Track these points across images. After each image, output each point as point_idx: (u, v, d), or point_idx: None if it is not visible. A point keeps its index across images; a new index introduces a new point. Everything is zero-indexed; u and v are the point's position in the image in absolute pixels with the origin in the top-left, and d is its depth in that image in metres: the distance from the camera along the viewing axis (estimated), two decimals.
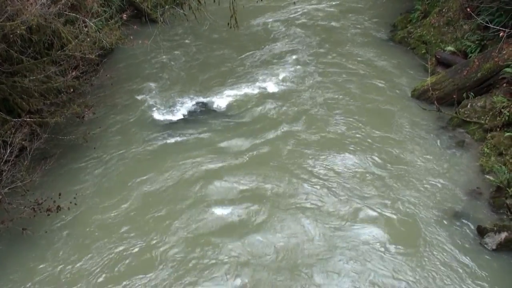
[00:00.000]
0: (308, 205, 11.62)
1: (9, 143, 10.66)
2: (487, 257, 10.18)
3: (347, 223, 11.10)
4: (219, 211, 11.57)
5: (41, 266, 10.41)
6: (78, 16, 13.37)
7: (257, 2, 17.37)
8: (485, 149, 12.55)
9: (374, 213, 11.32)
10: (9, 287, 9.99)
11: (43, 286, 10.02)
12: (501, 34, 12.08)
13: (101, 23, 14.66)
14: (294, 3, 21.20)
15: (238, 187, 12.23)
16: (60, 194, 11.52)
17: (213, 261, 10.32)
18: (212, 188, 12.19)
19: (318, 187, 12.13)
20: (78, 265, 10.38)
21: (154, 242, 10.79)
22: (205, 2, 17.55)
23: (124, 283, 10.00)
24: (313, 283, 9.84)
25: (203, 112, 15.10)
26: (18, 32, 11.31)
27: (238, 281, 9.97)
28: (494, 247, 10.24)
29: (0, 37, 11.16)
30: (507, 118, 12.66)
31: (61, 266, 10.38)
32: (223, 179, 12.48)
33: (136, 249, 10.65)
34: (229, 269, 10.18)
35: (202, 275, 10.06)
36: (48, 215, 11.07)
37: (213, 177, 12.50)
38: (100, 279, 10.08)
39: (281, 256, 10.44)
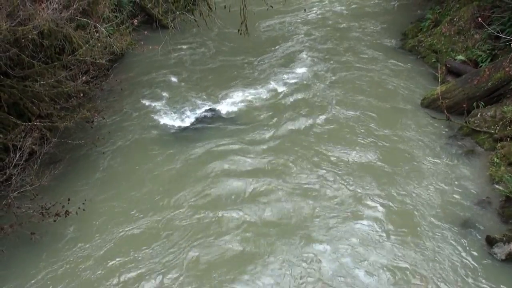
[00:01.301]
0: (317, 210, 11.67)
1: (19, 147, 10.71)
2: (496, 267, 10.14)
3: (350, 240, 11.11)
4: (228, 213, 11.71)
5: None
6: (89, 21, 13.42)
7: (267, 9, 17.35)
8: (495, 159, 12.48)
9: (381, 221, 11.32)
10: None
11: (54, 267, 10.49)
12: None
13: (112, 28, 14.73)
14: (305, 10, 21.26)
15: (248, 188, 12.36)
16: (69, 199, 11.54)
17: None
18: (222, 189, 12.34)
19: (329, 192, 12.18)
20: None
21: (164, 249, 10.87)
22: (215, 8, 17.59)
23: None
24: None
25: (213, 118, 15.13)
26: (30, 36, 11.36)
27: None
28: (503, 258, 10.19)
29: (12, 41, 11.23)
30: None
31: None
32: (233, 182, 12.57)
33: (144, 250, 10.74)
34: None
35: None
36: (54, 220, 11.08)
37: (223, 180, 12.63)
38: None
39: (285, 237, 10.98)
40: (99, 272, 10.38)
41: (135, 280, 10.18)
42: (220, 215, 11.59)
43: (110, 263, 10.56)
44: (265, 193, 12.20)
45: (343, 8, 22.29)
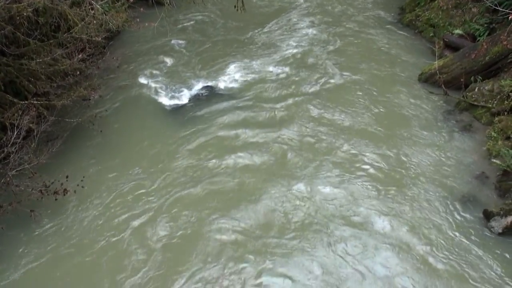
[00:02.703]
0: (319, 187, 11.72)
1: (16, 125, 10.69)
2: (493, 240, 10.22)
3: (348, 211, 11.18)
4: (225, 183, 11.90)
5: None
6: None
7: None
8: (492, 133, 12.50)
9: (379, 194, 11.37)
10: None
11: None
12: (510, 17, 11.98)
13: (107, 5, 14.59)
14: None
15: (245, 164, 12.44)
16: (67, 177, 11.56)
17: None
18: (223, 164, 12.43)
19: (324, 167, 12.21)
20: None
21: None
22: None
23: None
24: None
25: (210, 95, 15.08)
26: (25, 14, 11.29)
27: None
28: (500, 231, 10.26)
29: (7, 19, 11.14)
30: None
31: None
32: (229, 156, 12.66)
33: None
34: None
35: None
36: (56, 199, 11.13)
37: (220, 155, 12.70)
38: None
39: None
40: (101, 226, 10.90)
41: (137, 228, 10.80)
42: (216, 185, 11.79)
43: (110, 219, 11.10)
44: (265, 162, 12.41)
45: None
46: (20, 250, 10.36)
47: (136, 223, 10.87)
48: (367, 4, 20.17)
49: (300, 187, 11.62)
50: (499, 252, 9.99)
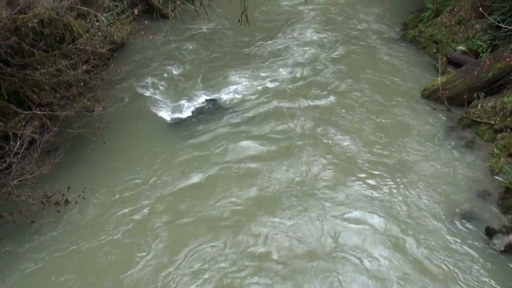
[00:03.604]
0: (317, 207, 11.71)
1: (19, 135, 10.71)
2: (495, 258, 10.16)
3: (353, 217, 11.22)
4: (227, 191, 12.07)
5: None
6: (89, 10, 13.40)
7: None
8: (495, 150, 12.48)
9: (382, 210, 11.35)
10: None
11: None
12: None
13: (112, 17, 14.69)
14: (305, 0, 21.15)
15: (247, 174, 12.52)
16: (69, 188, 11.58)
17: None
18: (223, 175, 12.52)
19: (328, 178, 12.22)
20: None
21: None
22: None
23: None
24: None
25: (212, 108, 15.11)
26: (30, 25, 11.35)
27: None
28: (502, 249, 10.21)
29: (12, 29, 11.20)
30: None
31: None
32: (231, 167, 12.75)
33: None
34: None
35: None
36: (58, 211, 11.16)
37: (223, 167, 12.77)
38: None
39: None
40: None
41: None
42: (218, 195, 11.93)
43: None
44: (266, 174, 12.49)
45: None
46: (17, 261, 10.37)
47: (136, 230, 10.99)
48: (370, 19, 20.20)
49: (299, 192, 11.76)
50: (501, 270, 9.93)
